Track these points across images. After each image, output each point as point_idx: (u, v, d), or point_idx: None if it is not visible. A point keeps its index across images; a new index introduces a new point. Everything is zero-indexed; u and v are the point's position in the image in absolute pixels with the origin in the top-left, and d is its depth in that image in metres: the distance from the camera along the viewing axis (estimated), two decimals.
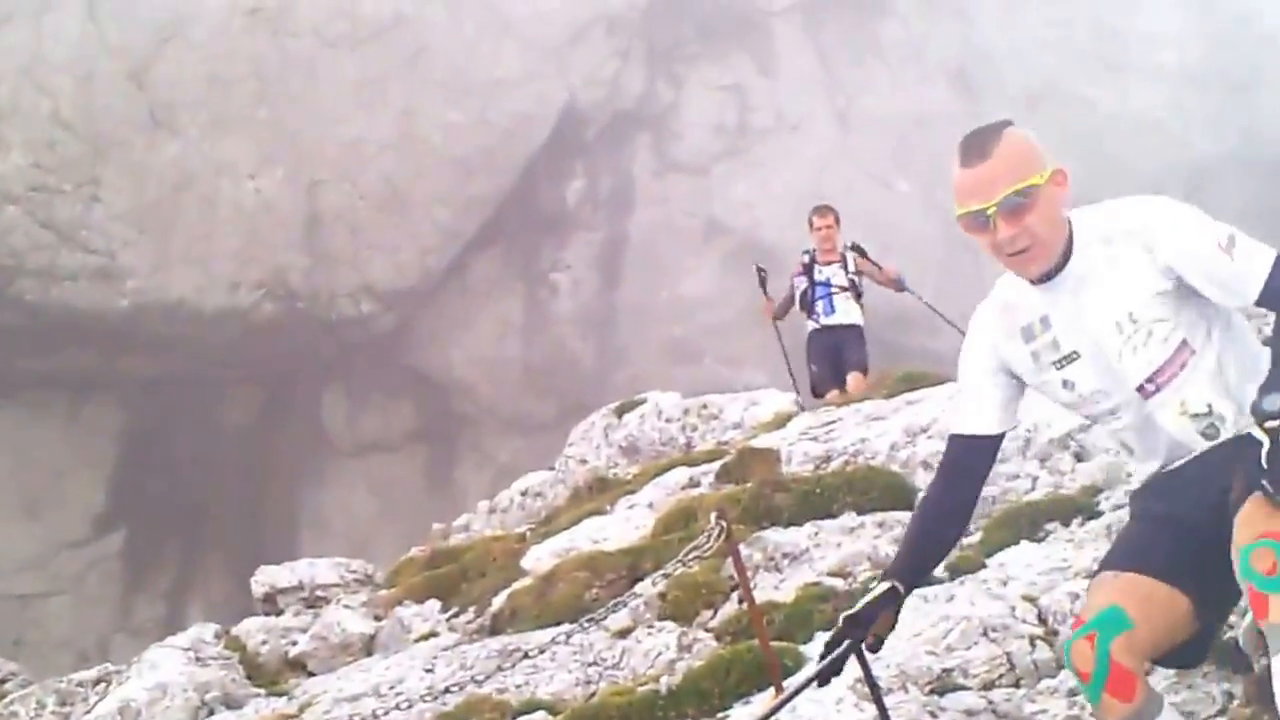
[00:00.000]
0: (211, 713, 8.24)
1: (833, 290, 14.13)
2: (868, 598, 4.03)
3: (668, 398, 11.87)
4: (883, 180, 23.45)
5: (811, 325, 14.15)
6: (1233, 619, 5.53)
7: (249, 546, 20.75)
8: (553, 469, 12.15)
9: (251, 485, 23.09)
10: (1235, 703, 5.14)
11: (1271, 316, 3.79)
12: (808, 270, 14.19)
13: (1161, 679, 5.38)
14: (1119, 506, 6.94)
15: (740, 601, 7.05)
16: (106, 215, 20.65)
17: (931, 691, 5.64)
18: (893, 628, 4.10)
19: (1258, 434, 3.42)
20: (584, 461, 11.65)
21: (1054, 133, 24.48)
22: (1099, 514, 6.97)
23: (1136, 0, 28.11)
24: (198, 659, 9.00)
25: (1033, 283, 3.96)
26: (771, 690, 5.81)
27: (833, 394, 13.25)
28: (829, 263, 14.23)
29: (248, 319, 21.94)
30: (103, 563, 21.63)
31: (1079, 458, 7.64)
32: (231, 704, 8.33)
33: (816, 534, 7.60)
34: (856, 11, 25.83)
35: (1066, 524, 6.98)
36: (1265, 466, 3.38)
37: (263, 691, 8.57)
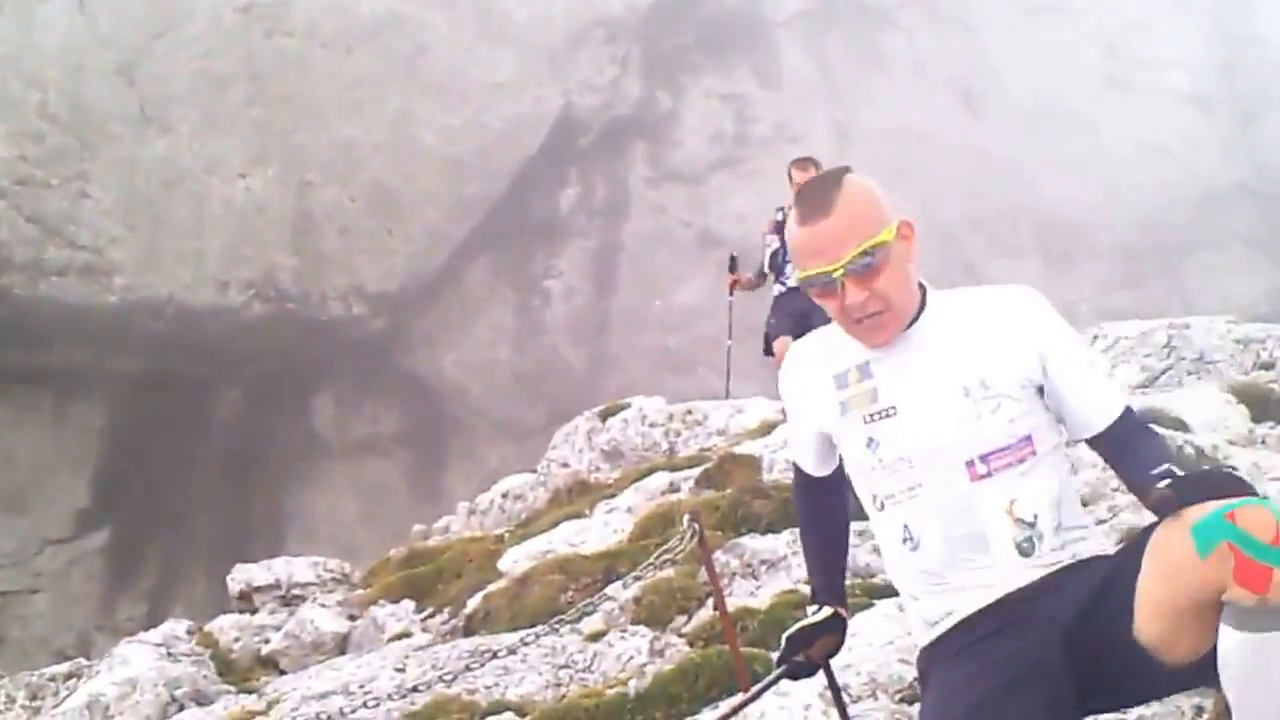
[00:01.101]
0: (181, 708, 8.18)
1: None
2: (808, 621, 3.72)
3: (652, 402, 11.79)
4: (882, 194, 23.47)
5: (778, 288, 13.04)
6: None
7: (234, 546, 20.65)
8: (534, 471, 12.08)
9: (237, 485, 23.00)
10: (1204, 716, 5.09)
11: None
12: (780, 229, 12.98)
13: None
14: (1101, 521, 6.89)
15: (715, 607, 6.99)
16: (95, 211, 20.60)
17: (901, 700, 5.60)
18: (836, 651, 3.74)
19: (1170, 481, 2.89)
20: (566, 465, 11.59)
21: (1057, 153, 24.50)
22: None
23: (1147, 23, 28.06)
24: (169, 655, 8.94)
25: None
26: (739, 695, 5.74)
27: (784, 340, 12.28)
28: None
29: (237, 318, 21.89)
30: (85, 560, 21.53)
31: None
32: (201, 700, 8.27)
33: (794, 541, 7.53)
34: (861, 24, 25.82)
35: None
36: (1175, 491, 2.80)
37: (233, 688, 8.51)
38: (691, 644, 6.86)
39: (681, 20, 24.76)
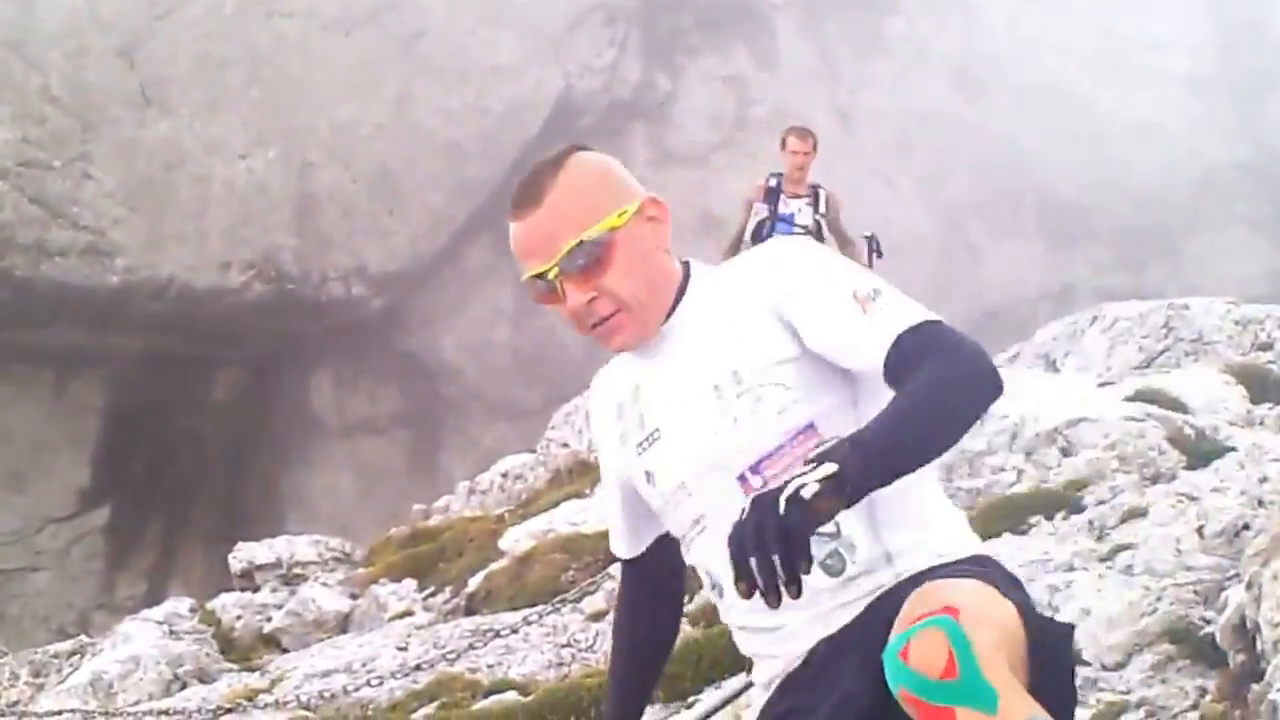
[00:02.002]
0: (184, 686, 8.22)
1: (795, 229, 12.16)
2: None
3: None
4: (883, 176, 23.36)
5: None
6: (1210, 614, 5.51)
7: (233, 525, 20.67)
8: (534, 452, 12.09)
9: (237, 464, 23.03)
10: (1208, 698, 5.10)
11: None
12: (771, 197, 12.25)
13: (1137, 672, 5.34)
14: (1101, 502, 6.91)
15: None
16: (97, 192, 20.59)
17: None
18: None
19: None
20: (565, 445, 11.59)
21: (1057, 134, 24.48)
22: (1082, 508, 6.95)
23: (1145, 3, 28.00)
24: (172, 632, 8.98)
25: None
26: (743, 675, 5.77)
27: None
28: (795, 195, 12.31)
29: (238, 299, 21.88)
30: (86, 538, 21.58)
31: (1065, 452, 7.59)
32: (204, 678, 8.31)
33: None
34: (859, 7, 25.78)
35: (1050, 518, 6.95)
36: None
37: (235, 666, 8.55)
38: (694, 624, 6.89)
39: (679, 2, 24.74)
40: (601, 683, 6.14)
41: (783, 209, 12.12)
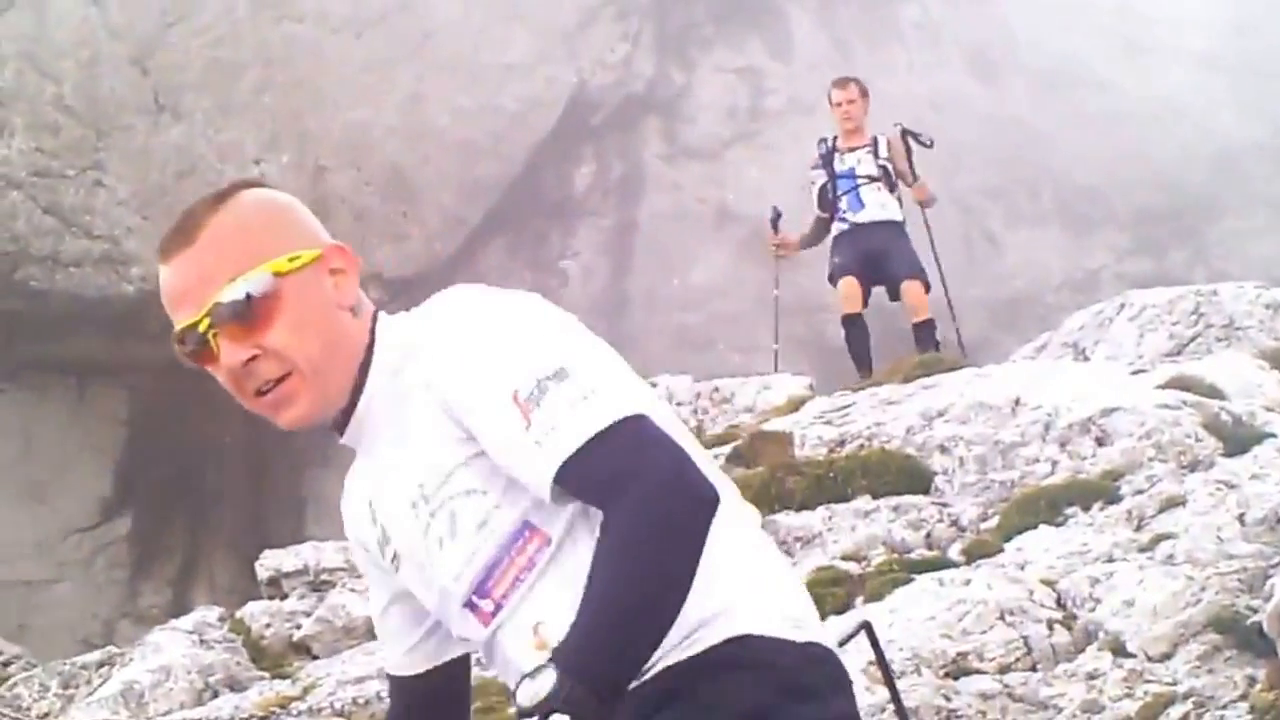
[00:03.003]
0: (215, 695, 8.18)
1: (859, 182, 11.64)
2: None
3: (679, 381, 11.71)
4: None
5: (839, 227, 11.68)
6: (1256, 602, 5.47)
7: (257, 532, 20.66)
8: None
9: (260, 470, 23.01)
10: (1257, 687, 5.08)
11: None
12: (826, 161, 11.79)
13: (1183, 663, 5.30)
14: (1140, 491, 6.86)
15: None
16: (110, 201, 20.57)
17: (946, 675, 5.59)
18: None
19: None
20: None
21: (1075, 116, 24.33)
22: (1119, 499, 6.89)
23: None
24: (202, 642, 8.94)
25: (338, 436, 2.40)
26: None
27: (850, 281, 11.31)
28: (852, 148, 11.74)
29: None
30: (109, 548, 21.56)
31: (1100, 442, 7.53)
32: (235, 686, 8.27)
33: (830, 517, 7.51)
34: None
35: (1086, 509, 6.91)
36: None
37: (267, 674, 8.51)
38: None
39: None
40: None
41: (839, 167, 11.70)
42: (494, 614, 2.24)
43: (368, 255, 23.30)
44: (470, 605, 2.26)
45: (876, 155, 11.67)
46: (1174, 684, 5.21)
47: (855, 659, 5.49)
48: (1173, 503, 6.59)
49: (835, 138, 11.90)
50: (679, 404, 11.21)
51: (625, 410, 2.14)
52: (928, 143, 11.95)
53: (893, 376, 9.95)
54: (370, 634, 8.92)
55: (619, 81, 23.50)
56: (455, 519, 2.23)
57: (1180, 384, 8.11)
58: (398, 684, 2.54)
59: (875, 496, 7.64)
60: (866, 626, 3.94)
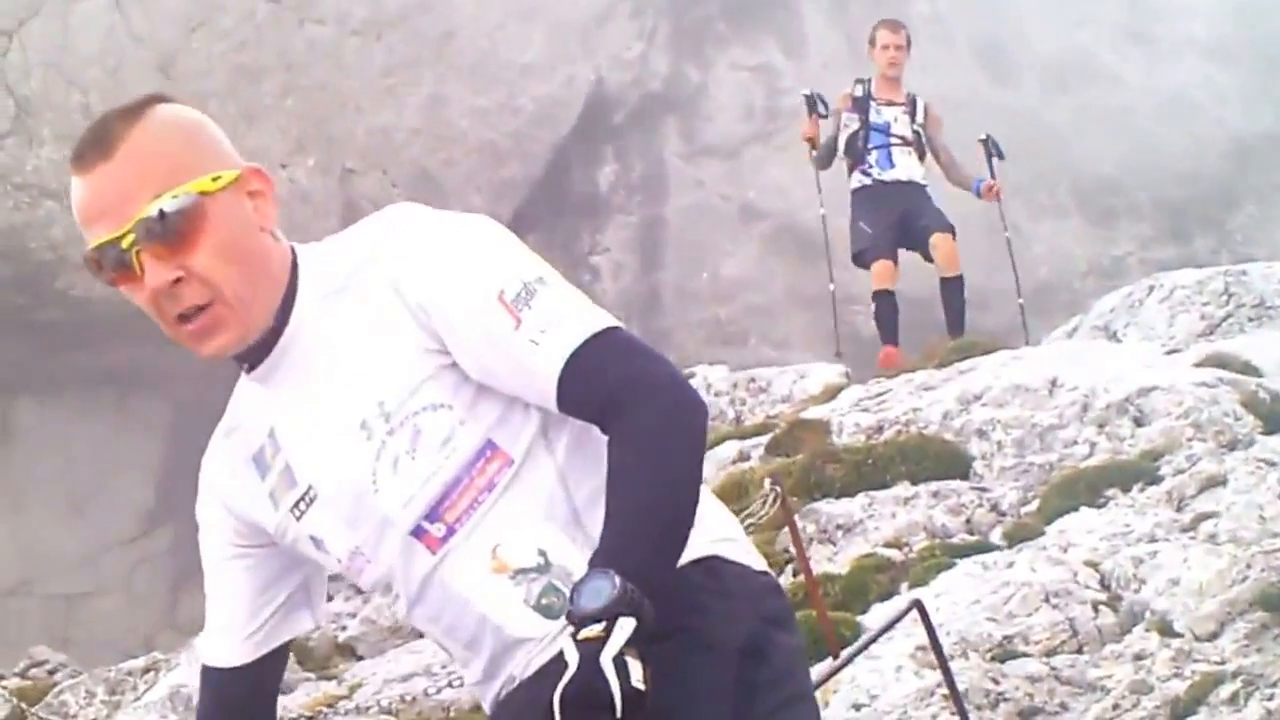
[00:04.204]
0: None
1: (892, 140, 11.09)
2: None
3: (715, 371, 11.69)
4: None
5: (860, 180, 11.08)
6: None
7: None
8: None
9: None
10: None
11: None
12: (861, 107, 11.09)
13: (1230, 641, 5.31)
14: (1180, 471, 6.86)
15: (794, 574, 6.99)
16: None
17: (993, 659, 5.61)
18: None
19: (568, 649, 1.85)
20: None
21: (1087, 110, 24.26)
22: (1159, 479, 6.89)
23: None
24: None
25: (245, 370, 2.30)
26: (829, 660, 5.76)
27: (884, 264, 10.91)
28: (891, 103, 11.17)
29: None
30: (150, 560, 21.60)
31: (1138, 422, 7.52)
32: (282, 688, 8.28)
33: (870, 504, 7.52)
34: None
35: (1126, 490, 6.91)
36: (560, 697, 1.82)
37: (313, 675, 8.53)
38: None
39: None
40: None
41: (875, 117, 11.09)
42: (444, 539, 2.17)
43: None
44: (418, 531, 2.17)
45: (913, 118, 11.20)
46: (1222, 663, 5.22)
47: (902, 644, 5.55)
48: (1213, 482, 6.59)
49: (871, 83, 11.31)
50: (716, 394, 11.21)
51: (611, 320, 2.15)
52: (1002, 155, 11.89)
53: (927, 362, 9.94)
54: (417, 632, 8.97)
55: (636, 80, 23.49)
56: (419, 435, 2.15)
57: (1216, 362, 8.10)
58: (217, 678, 2.45)
59: (914, 482, 7.64)
60: (918, 605, 3.95)
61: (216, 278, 2.13)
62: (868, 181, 11.02)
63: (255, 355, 2.25)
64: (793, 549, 6.13)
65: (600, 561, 1.92)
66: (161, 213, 2.10)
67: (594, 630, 1.83)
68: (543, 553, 2.14)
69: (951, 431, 8.06)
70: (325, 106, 21.50)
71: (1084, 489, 7.00)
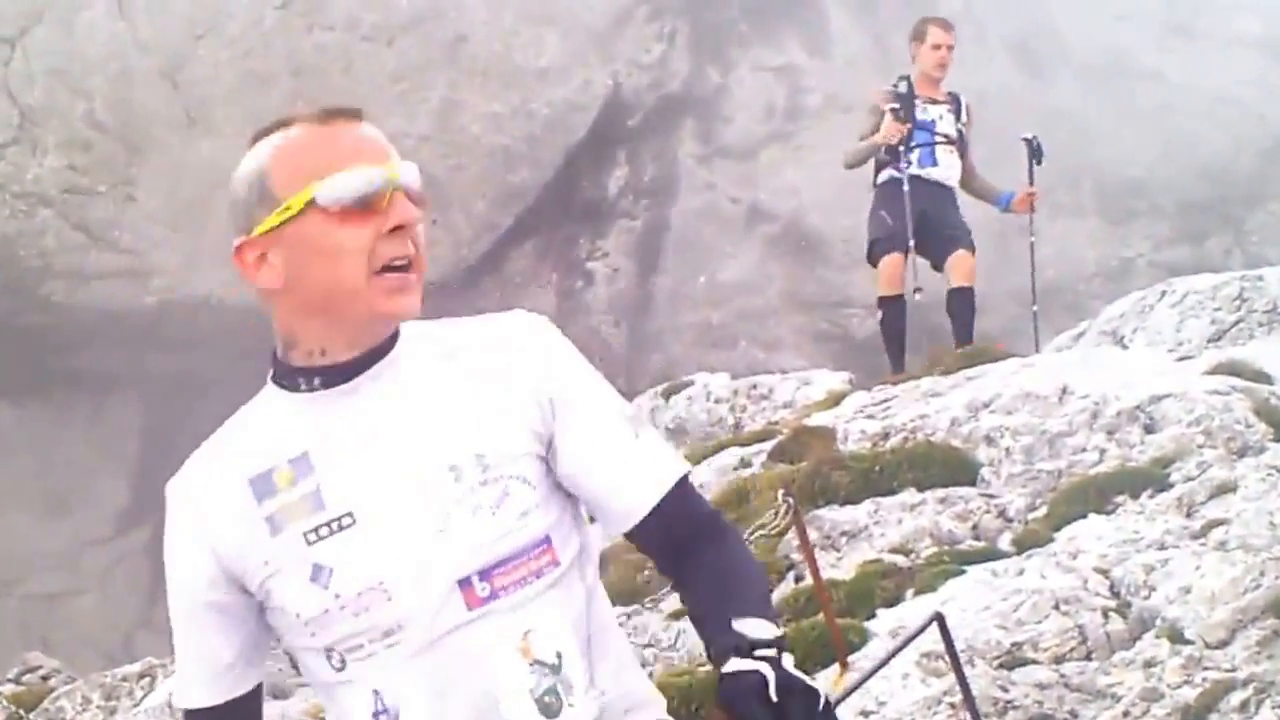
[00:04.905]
0: None
1: (937, 138, 10.80)
2: None
3: (716, 379, 11.65)
4: None
5: (891, 174, 10.76)
6: None
7: None
8: None
9: None
10: None
11: None
12: (906, 101, 10.71)
13: (1242, 648, 5.25)
14: (1190, 478, 6.79)
15: (797, 580, 6.95)
16: (140, 215, 20.61)
17: (1001, 666, 5.56)
18: None
19: (746, 666, 2.17)
20: None
21: (1122, 108, 24.11)
22: (1169, 486, 6.83)
23: None
24: None
25: (308, 387, 2.33)
26: (836, 667, 5.71)
27: (894, 260, 10.58)
28: (934, 100, 10.86)
29: None
30: (128, 560, 21.58)
31: (1148, 429, 7.45)
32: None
33: (876, 511, 7.46)
34: None
35: (1136, 496, 6.84)
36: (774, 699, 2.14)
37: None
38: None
39: None
40: (691, 682, 6.03)
41: (920, 114, 10.72)
42: (485, 601, 2.24)
43: None
44: (465, 583, 2.23)
45: (957, 116, 10.89)
46: (1233, 670, 5.17)
47: (909, 652, 5.47)
48: (1224, 489, 6.52)
49: (913, 79, 10.92)
50: (716, 401, 11.15)
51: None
52: (1041, 160, 11.44)
53: (932, 369, 9.88)
54: None
55: (654, 82, 23.41)
56: (506, 498, 2.26)
57: (1228, 369, 8.04)
58: (201, 718, 2.44)
59: (921, 489, 7.58)
60: (939, 619, 3.87)
61: (422, 246, 2.30)
62: (900, 177, 10.68)
63: (348, 370, 2.32)
64: (795, 555, 6.08)
65: (750, 611, 2.27)
66: (416, 171, 2.32)
67: (768, 653, 2.21)
68: (560, 655, 2.28)
69: (959, 438, 8.00)
70: None
71: (1093, 496, 6.95)
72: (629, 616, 6.57)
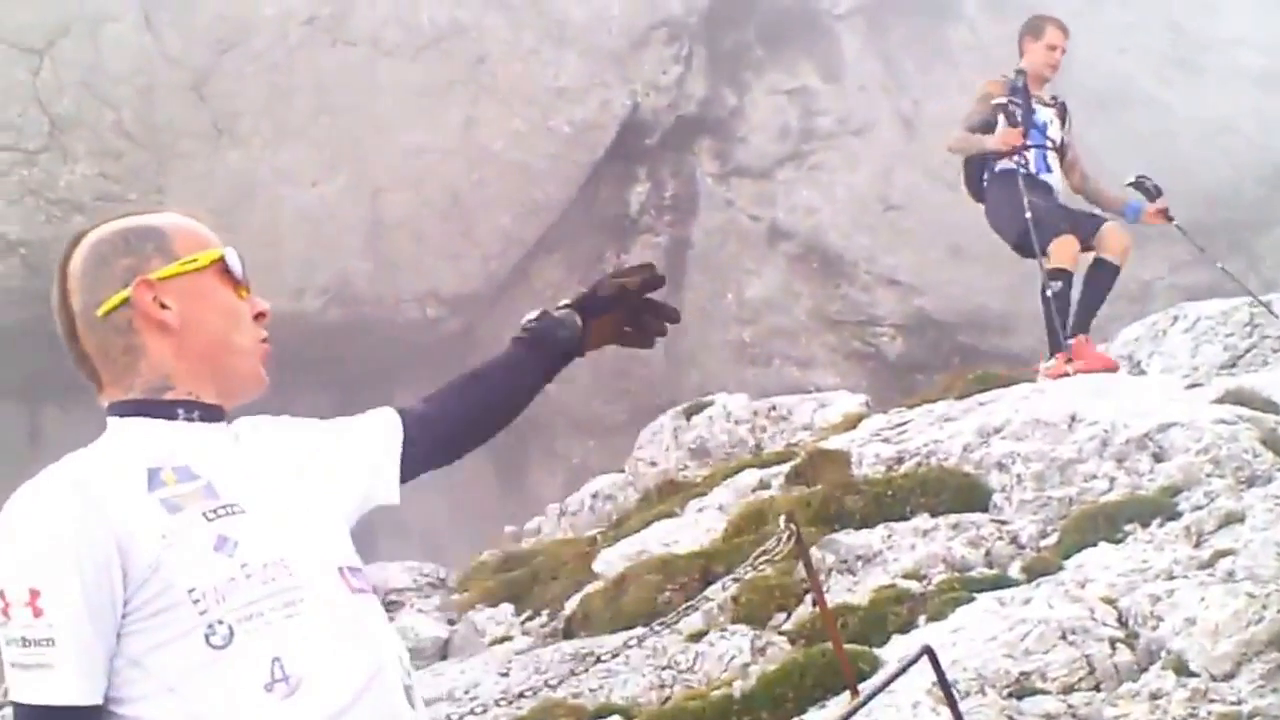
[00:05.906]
0: None
1: (1048, 142, 10.35)
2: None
3: (736, 399, 11.76)
4: (949, 184, 23.22)
5: (1010, 163, 10.11)
6: None
7: None
8: (622, 471, 12.09)
9: None
10: None
11: None
12: (1022, 96, 10.24)
13: (1247, 682, 5.33)
14: (1199, 507, 6.88)
15: (814, 603, 7.05)
16: None
17: (1010, 695, 5.63)
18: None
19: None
20: (654, 464, 11.55)
21: (1126, 136, 24.21)
22: (1178, 515, 6.90)
23: (1215, 2, 27.60)
24: None
25: (198, 418, 2.53)
26: (847, 694, 5.80)
27: (1069, 239, 9.79)
28: (1043, 103, 10.45)
29: (313, 324, 22.04)
30: None
31: (1158, 458, 7.54)
32: None
33: (889, 536, 7.57)
34: (922, 15, 25.57)
35: (1145, 525, 6.92)
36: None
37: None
38: (793, 642, 6.90)
39: (741, 17, 24.63)
40: (705, 705, 6.16)
41: (1037, 114, 10.30)
42: (360, 591, 2.50)
43: (425, 273, 23.49)
44: (342, 571, 2.49)
45: (1063, 123, 10.49)
46: (1238, 703, 5.23)
47: (918, 680, 5.59)
48: (1231, 519, 6.59)
49: (1024, 74, 10.47)
50: (736, 422, 11.27)
51: None
52: (1157, 188, 10.97)
53: (947, 393, 9.97)
54: (439, 654, 9.04)
55: (672, 103, 23.55)
56: (340, 525, 2.69)
57: (1236, 398, 8.12)
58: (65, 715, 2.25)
59: (934, 515, 7.68)
60: (929, 652, 4.01)
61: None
62: (1021, 170, 10.09)
63: (218, 411, 2.59)
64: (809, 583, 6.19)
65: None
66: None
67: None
68: (402, 659, 2.56)
69: (971, 464, 8.10)
70: (358, 126, 21.62)
71: (1103, 523, 7.03)
72: (642, 640, 6.67)
